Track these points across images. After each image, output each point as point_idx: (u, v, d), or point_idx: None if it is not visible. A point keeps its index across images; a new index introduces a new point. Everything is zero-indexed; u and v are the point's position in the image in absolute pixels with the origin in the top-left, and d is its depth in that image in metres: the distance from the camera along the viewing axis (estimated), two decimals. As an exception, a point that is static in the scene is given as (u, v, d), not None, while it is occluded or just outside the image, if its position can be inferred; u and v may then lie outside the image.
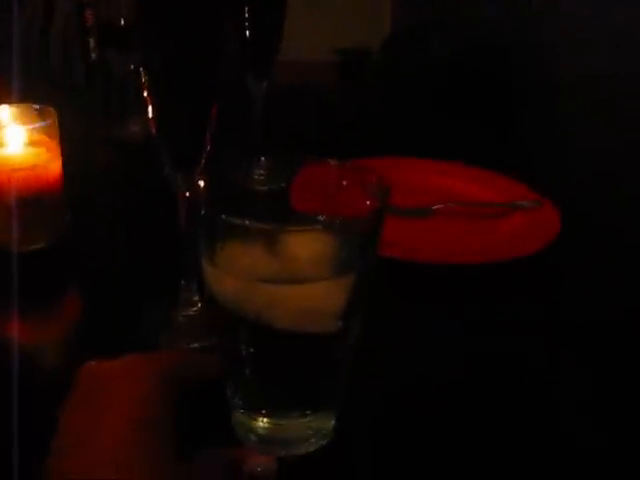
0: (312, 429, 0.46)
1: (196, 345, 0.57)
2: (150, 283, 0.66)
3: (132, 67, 0.97)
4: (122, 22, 1.11)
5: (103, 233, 0.78)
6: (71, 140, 0.74)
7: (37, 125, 0.70)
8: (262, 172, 0.51)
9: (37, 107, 0.72)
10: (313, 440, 0.46)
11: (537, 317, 0.63)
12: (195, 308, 0.60)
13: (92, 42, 1.25)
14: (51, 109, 0.72)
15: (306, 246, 0.41)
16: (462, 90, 1.32)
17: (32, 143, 0.70)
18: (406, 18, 2.53)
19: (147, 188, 0.84)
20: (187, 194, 0.54)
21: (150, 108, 0.51)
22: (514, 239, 0.72)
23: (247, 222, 0.39)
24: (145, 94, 0.51)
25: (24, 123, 0.71)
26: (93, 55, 1.24)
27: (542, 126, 1.19)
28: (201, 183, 0.46)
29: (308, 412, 0.45)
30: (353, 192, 0.46)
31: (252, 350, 0.44)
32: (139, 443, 0.35)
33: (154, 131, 0.52)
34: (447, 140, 1.05)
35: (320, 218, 0.45)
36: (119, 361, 0.41)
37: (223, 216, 0.39)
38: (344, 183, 0.47)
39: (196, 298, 0.60)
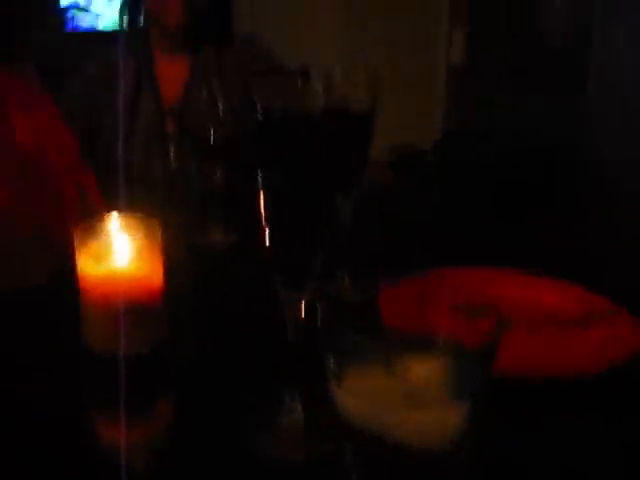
0: None
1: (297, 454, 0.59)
2: (248, 388, 0.67)
3: (218, 174, 1.02)
4: (202, 132, 1.16)
5: (200, 339, 0.80)
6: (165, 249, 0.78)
7: (142, 235, 0.74)
8: (348, 287, 0.54)
9: (141, 216, 0.75)
10: None
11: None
12: (296, 414, 0.62)
13: (172, 150, 1.31)
14: (154, 220, 0.75)
15: (425, 368, 0.44)
16: (518, 195, 1.33)
17: (138, 254, 0.74)
18: (458, 121, 2.61)
19: (241, 296, 0.87)
20: (298, 310, 0.57)
21: (267, 236, 0.55)
22: (599, 350, 0.73)
23: (375, 341, 0.41)
24: (263, 222, 0.55)
25: (131, 233, 0.74)
26: (174, 164, 1.29)
27: (603, 231, 1.20)
28: (318, 304, 0.49)
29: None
30: (442, 307, 0.49)
31: (365, 462, 0.46)
32: None
33: (268, 256, 0.56)
34: (510, 247, 1.05)
35: (438, 340, 0.48)
36: None
37: (355, 337, 0.42)
38: (432, 298, 0.50)
39: (297, 404, 0.62)
